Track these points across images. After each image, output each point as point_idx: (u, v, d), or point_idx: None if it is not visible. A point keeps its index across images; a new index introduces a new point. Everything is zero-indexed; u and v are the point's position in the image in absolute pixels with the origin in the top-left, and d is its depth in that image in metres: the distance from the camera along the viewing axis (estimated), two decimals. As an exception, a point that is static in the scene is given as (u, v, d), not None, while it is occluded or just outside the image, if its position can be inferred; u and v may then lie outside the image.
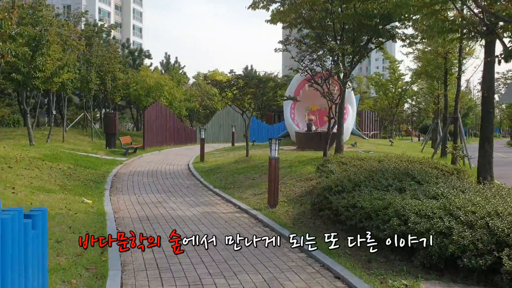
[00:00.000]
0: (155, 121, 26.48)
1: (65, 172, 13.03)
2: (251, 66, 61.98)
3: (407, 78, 38.55)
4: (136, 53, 42.79)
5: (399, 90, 39.15)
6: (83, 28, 28.16)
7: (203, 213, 9.08)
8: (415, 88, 39.27)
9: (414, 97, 40.24)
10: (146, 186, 12.78)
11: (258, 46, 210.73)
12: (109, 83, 29.29)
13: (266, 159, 16.36)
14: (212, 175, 14.61)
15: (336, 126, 23.62)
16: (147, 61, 43.00)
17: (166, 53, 47.04)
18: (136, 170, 16.22)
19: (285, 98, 16.83)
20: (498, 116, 75.53)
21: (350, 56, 13.95)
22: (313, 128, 19.94)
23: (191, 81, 43.90)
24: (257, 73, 61.20)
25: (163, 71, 39.72)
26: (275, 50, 13.59)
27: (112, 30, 29.30)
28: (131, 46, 44.91)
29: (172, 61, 45.94)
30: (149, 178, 14.24)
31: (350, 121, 24.33)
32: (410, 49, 26.36)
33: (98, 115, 39.13)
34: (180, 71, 43.01)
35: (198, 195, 11.43)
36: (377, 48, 14.77)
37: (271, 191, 9.23)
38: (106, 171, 15.23)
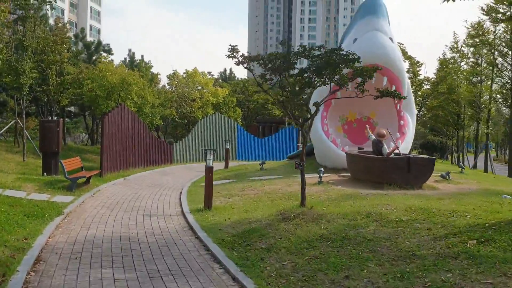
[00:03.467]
0: (118, 133, 18.05)
1: None
2: (230, 69, 53.96)
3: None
4: (92, 47, 34.12)
5: (420, 98, 32.29)
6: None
7: None
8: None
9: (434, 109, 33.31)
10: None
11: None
12: (52, 79, 20.58)
13: (349, 214, 8.33)
14: (260, 260, 6.51)
15: (398, 144, 16.05)
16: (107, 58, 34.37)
17: (130, 50, 38.48)
18: (85, 237, 7.92)
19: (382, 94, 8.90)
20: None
21: None
22: (384, 149, 12.17)
23: (164, 81, 35.46)
24: (237, 78, 53.05)
25: (127, 69, 31.19)
26: None
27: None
28: (87, 38, 36.10)
29: (137, 59, 37.51)
30: (117, 278, 6.00)
31: (410, 138, 16.82)
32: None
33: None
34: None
35: None
36: None
37: None
38: (18, 246, 6.89)
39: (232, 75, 52.46)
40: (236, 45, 8.01)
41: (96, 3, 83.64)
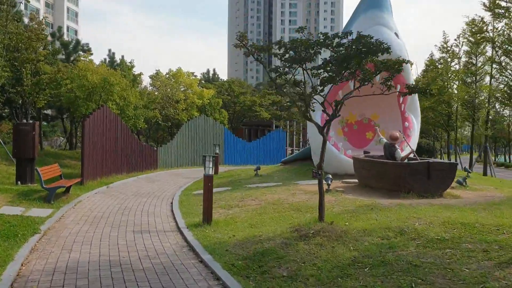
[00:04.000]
0: (99, 136, 16.65)
1: None
2: (213, 70, 52.63)
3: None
4: (71, 47, 32.51)
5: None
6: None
7: None
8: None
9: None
10: None
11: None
12: (27, 78, 19.01)
13: (377, 230, 6.77)
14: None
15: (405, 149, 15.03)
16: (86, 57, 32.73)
17: (109, 51, 36.91)
18: (67, 263, 6.58)
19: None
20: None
21: None
22: (398, 154, 11.10)
23: (146, 81, 33.97)
24: (221, 79, 51.71)
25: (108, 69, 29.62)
26: None
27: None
28: (64, 37, 34.36)
29: (117, 60, 35.97)
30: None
31: (415, 141, 15.84)
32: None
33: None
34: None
35: None
36: None
37: None
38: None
39: (216, 76, 51.15)
40: (245, 33, 6.83)
41: (73, 4, 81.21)
